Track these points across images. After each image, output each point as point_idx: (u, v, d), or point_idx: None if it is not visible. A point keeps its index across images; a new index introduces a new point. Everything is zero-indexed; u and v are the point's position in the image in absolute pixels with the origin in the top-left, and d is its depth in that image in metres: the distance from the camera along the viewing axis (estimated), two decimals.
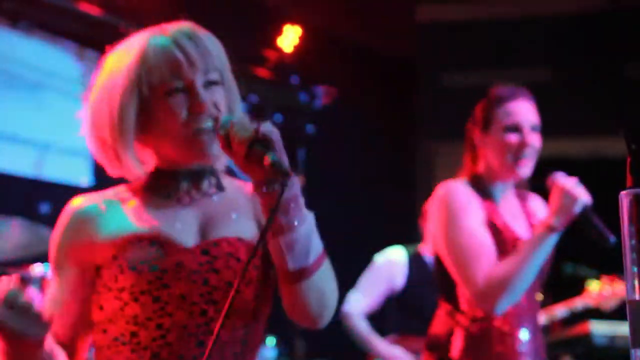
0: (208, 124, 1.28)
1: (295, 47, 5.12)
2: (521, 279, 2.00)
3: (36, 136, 4.26)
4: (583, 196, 2.00)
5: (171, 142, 1.31)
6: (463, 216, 2.09)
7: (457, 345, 2.11)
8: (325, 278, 1.28)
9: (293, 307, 1.28)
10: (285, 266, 1.22)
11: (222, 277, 1.28)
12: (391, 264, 3.62)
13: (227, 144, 1.20)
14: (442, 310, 2.20)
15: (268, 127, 1.19)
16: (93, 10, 4.32)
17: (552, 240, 2.02)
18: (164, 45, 1.30)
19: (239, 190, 1.40)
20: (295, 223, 1.19)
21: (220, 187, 1.39)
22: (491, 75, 5.41)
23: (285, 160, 1.15)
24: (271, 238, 1.23)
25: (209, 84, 1.31)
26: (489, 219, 2.14)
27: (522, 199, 2.26)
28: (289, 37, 5.09)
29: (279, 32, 5.09)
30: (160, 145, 1.33)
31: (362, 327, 3.60)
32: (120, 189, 1.40)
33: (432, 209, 2.19)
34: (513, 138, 2.13)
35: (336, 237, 4.75)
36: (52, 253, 1.37)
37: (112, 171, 1.36)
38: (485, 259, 2.04)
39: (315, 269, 1.25)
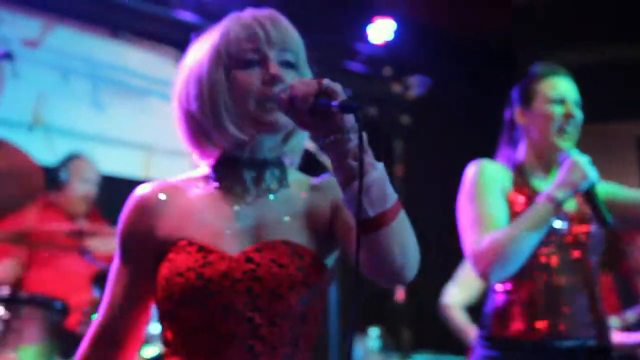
0: (278, 92, 1.28)
1: (387, 39, 5.13)
2: (515, 246, 1.98)
3: (143, 139, 4.47)
4: (592, 175, 2.01)
5: (242, 114, 1.32)
6: (478, 193, 2.11)
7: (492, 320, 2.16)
8: (404, 227, 1.23)
9: (375, 261, 1.22)
10: (363, 214, 1.17)
11: (265, 285, 1.27)
12: None
13: (289, 105, 1.20)
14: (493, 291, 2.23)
15: (329, 80, 1.19)
16: (188, 17, 4.49)
17: (551, 212, 2.01)
18: (245, 22, 1.34)
19: (300, 187, 1.41)
20: (368, 167, 1.18)
21: (282, 182, 1.39)
22: (594, 54, 5.23)
23: (350, 102, 1.15)
24: (344, 188, 1.19)
25: (284, 63, 1.34)
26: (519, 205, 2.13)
27: None
28: (381, 29, 5.10)
29: (370, 25, 5.11)
30: (219, 126, 1.34)
31: (461, 318, 3.58)
32: (185, 178, 1.41)
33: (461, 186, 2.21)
34: (558, 109, 2.16)
35: (436, 228, 4.74)
36: (117, 238, 1.39)
37: (202, 157, 1.39)
38: (485, 227, 2.05)
39: (394, 215, 1.20)
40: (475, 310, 3.64)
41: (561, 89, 2.17)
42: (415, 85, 5.28)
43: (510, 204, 2.13)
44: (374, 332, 4.34)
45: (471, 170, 2.18)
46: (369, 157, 1.18)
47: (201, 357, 1.26)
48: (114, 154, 4.41)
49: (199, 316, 1.26)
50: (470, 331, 3.52)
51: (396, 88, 5.31)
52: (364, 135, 1.16)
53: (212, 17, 4.46)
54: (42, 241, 3.18)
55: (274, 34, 1.33)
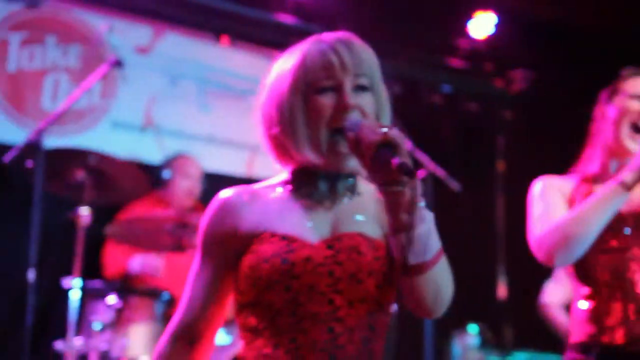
0: (348, 122, 1.37)
1: (489, 33, 5.06)
2: (578, 226, 1.94)
3: (247, 139, 4.64)
4: None
5: (316, 138, 1.40)
6: (541, 194, 2.12)
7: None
8: (441, 273, 1.35)
9: (410, 298, 1.36)
10: (404, 260, 1.31)
11: (345, 269, 1.36)
12: None
13: (355, 145, 1.31)
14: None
15: (395, 132, 1.26)
16: (288, 19, 4.62)
17: (621, 196, 1.96)
18: (322, 49, 1.41)
19: (371, 195, 1.49)
20: (416, 222, 1.28)
21: (353, 191, 1.47)
22: None
23: (410, 164, 1.24)
24: (392, 234, 1.32)
25: (358, 88, 1.40)
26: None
27: None
28: (481, 24, 5.04)
29: (470, 19, 5.06)
30: (298, 147, 1.43)
31: (560, 317, 3.51)
32: (266, 183, 1.51)
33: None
34: (635, 105, 2.12)
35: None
36: (200, 239, 1.48)
37: (283, 166, 1.49)
38: (547, 218, 2.04)
39: (432, 265, 1.32)
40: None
41: None
42: (518, 80, 5.19)
43: (569, 204, 2.12)
44: (473, 329, 4.31)
45: (535, 184, 2.19)
46: (420, 210, 1.29)
47: (285, 339, 1.35)
48: (220, 154, 4.61)
49: (283, 299, 1.36)
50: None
51: (498, 83, 5.23)
52: (418, 189, 1.27)
53: (310, 19, 4.58)
54: (149, 235, 3.37)
55: (349, 61, 1.40)
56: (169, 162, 3.99)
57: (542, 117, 5.16)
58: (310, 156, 1.40)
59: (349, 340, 1.36)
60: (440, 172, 3.95)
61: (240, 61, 4.74)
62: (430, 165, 3.97)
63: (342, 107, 1.38)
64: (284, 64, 1.45)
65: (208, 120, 4.65)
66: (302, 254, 1.37)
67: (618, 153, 2.16)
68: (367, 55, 1.43)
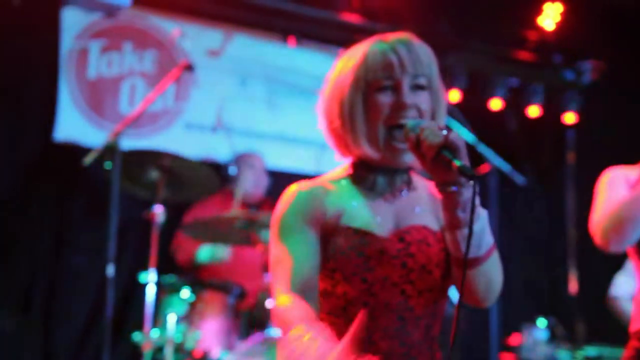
0: (405, 121, 1.44)
1: (557, 24, 5.00)
2: (632, 212, 1.95)
3: (315, 136, 4.73)
4: None
5: (374, 135, 1.47)
6: (605, 185, 2.12)
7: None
8: (492, 268, 1.44)
9: (463, 292, 1.43)
10: (459, 255, 1.41)
11: (417, 260, 1.46)
12: None
13: (416, 146, 1.37)
14: None
15: (456, 135, 1.34)
16: (354, 19, 4.69)
17: None
18: (382, 49, 1.48)
19: (424, 189, 1.57)
20: (473, 220, 1.34)
21: (409, 185, 1.55)
22: None
23: (470, 166, 1.31)
24: (448, 230, 1.41)
25: (416, 87, 1.47)
26: None
27: None
28: (550, 15, 4.98)
29: (539, 11, 5.01)
30: (356, 142, 1.50)
31: (628, 309, 3.47)
32: (329, 178, 1.56)
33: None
34: None
35: None
36: (282, 223, 1.48)
37: (343, 158, 1.57)
38: (610, 200, 2.04)
39: (485, 260, 1.42)
40: None
41: None
42: (588, 71, 5.10)
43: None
44: (542, 323, 4.29)
45: (603, 175, 2.20)
46: (477, 209, 1.36)
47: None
48: (288, 151, 4.73)
49: (358, 289, 1.44)
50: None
51: (567, 75, 5.16)
52: (477, 191, 1.34)
53: (375, 17, 4.62)
54: (220, 231, 3.52)
55: (408, 61, 1.47)
56: (235, 159, 4.16)
57: (613, 108, 5.06)
58: (368, 151, 1.47)
59: (415, 327, 1.45)
60: (504, 167, 3.95)
61: (306, 60, 4.84)
62: (495, 160, 3.98)
63: (399, 106, 1.45)
64: (347, 62, 1.53)
65: (277, 119, 4.77)
66: (375, 247, 1.45)
67: None
68: (425, 56, 1.50)
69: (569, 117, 5.14)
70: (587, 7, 4.99)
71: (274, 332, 3.38)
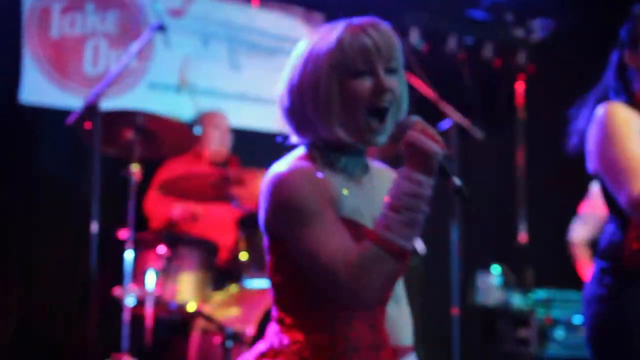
0: (386, 104, 1.48)
1: None
2: None
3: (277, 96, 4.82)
4: None
5: (350, 121, 1.49)
6: (620, 134, 2.09)
7: (624, 253, 2.14)
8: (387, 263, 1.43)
9: None
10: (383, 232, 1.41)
11: None
12: None
13: (409, 147, 1.39)
14: (608, 224, 2.24)
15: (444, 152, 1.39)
16: None
17: None
18: (357, 35, 1.49)
19: (378, 169, 1.64)
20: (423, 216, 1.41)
21: (367, 169, 1.59)
22: None
23: (462, 185, 1.39)
24: (391, 210, 1.40)
25: (390, 71, 1.50)
26: None
27: None
28: None
29: None
30: (330, 126, 1.49)
31: (582, 254, 3.71)
32: (291, 160, 1.52)
33: (592, 129, 2.19)
34: None
35: (556, 170, 4.81)
36: (305, 205, 1.44)
37: (300, 138, 1.55)
38: (638, 172, 2.03)
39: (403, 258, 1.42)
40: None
41: None
42: (538, 29, 5.31)
43: None
44: (496, 270, 4.56)
45: (605, 114, 2.15)
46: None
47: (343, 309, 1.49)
48: (251, 110, 4.82)
49: None
50: (588, 269, 3.67)
51: (518, 33, 5.35)
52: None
53: None
54: (192, 189, 3.62)
55: (382, 45, 1.48)
56: (199, 119, 4.24)
57: (562, 65, 5.29)
58: (342, 135, 1.48)
59: (381, 311, 1.55)
60: (464, 122, 4.14)
61: (269, 21, 4.90)
62: (454, 115, 4.17)
63: (379, 90, 1.48)
64: (317, 46, 1.51)
65: (239, 78, 4.84)
66: (361, 235, 1.43)
67: None
68: (394, 40, 1.51)
69: (520, 73, 5.36)
70: None
71: (249, 284, 3.54)
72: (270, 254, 1.53)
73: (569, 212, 3.82)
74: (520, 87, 5.44)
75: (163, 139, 3.48)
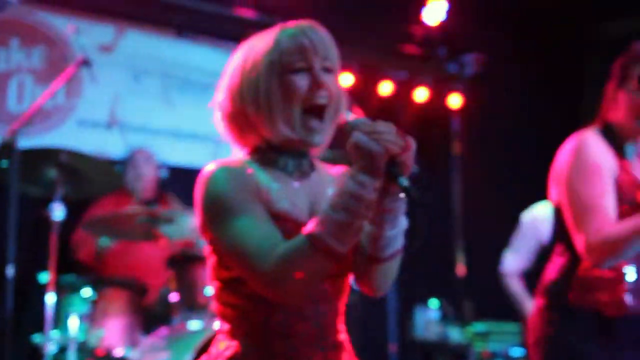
0: (323, 100, 1.50)
1: (441, 19, 5.22)
2: (627, 247, 2.01)
3: (210, 131, 4.75)
4: None
5: (291, 116, 1.50)
6: (590, 170, 2.10)
7: (572, 289, 2.14)
8: (393, 268, 1.53)
9: (361, 280, 1.55)
10: (369, 251, 1.49)
11: None
12: (537, 220, 3.71)
13: (357, 148, 1.36)
14: (558, 257, 2.23)
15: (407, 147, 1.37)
16: (248, 14, 4.75)
17: None
18: (294, 33, 1.53)
19: (325, 170, 1.63)
20: (389, 225, 1.44)
21: (312, 168, 1.60)
22: None
23: (413, 186, 1.38)
24: (371, 224, 1.45)
25: (326, 69, 1.53)
26: (619, 173, 2.12)
27: None
28: (435, 10, 5.19)
29: (423, 6, 5.22)
30: (272, 124, 1.51)
31: (515, 286, 3.73)
32: (233, 160, 1.55)
33: (562, 157, 2.19)
34: None
35: (493, 202, 4.82)
36: (229, 198, 1.44)
37: (241, 146, 1.57)
38: (601, 215, 2.05)
39: (389, 260, 1.50)
40: (531, 276, 3.77)
41: None
42: (470, 64, 5.38)
43: (618, 187, 2.12)
44: (434, 304, 4.53)
45: (575, 145, 2.16)
46: (400, 214, 1.45)
47: (279, 313, 1.48)
48: (184, 147, 4.74)
49: None
50: (524, 300, 3.68)
51: (451, 68, 5.42)
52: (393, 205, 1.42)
53: (269, 12, 4.66)
54: (120, 228, 3.51)
55: (318, 44, 1.51)
56: (128, 156, 4.14)
57: (496, 99, 5.37)
58: (285, 132, 1.50)
59: (328, 308, 1.53)
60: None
61: (201, 56, 4.85)
62: None
63: (316, 86, 1.50)
64: (253, 49, 1.54)
65: (173, 115, 4.77)
66: (296, 232, 1.42)
67: (633, 134, 2.18)
68: (331, 41, 1.55)
69: (454, 108, 5.42)
70: (469, 2, 5.24)
71: (179, 325, 3.42)
72: (210, 257, 1.53)
73: (506, 244, 3.84)
74: (454, 121, 5.50)
75: (88, 177, 3.37)
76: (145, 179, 4.12)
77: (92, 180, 3.40)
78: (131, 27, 4.65)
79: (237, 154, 1.59)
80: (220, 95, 1.57)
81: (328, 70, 1.53)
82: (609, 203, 2.07)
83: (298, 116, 1.50)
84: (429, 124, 5.49)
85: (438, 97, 5.45)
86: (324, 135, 1.53)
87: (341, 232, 1.35)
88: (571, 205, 2.11)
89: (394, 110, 5.29)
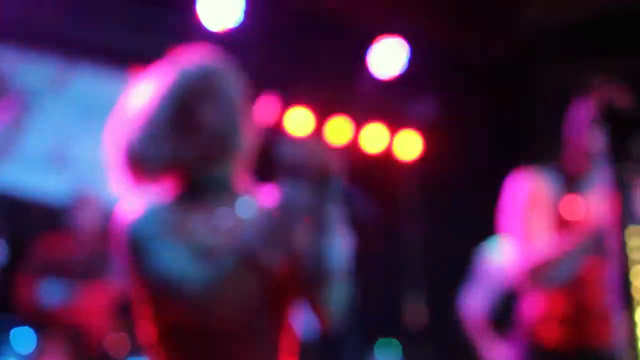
0: (226, 131, 1.51)
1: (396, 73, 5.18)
2: (565, 267, 2.07)
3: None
4: None
5: (199, 155, 1.50)
6: (525, 201, 2.17)
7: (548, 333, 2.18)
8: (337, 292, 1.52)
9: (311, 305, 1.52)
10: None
11: None
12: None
13: (292, 168, 1.39)
14: (529, 297, 2.25)
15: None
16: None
17: (600, 241, 2.04)
18: (194, 70, 1.53)
19: (246, 193, 1.56)
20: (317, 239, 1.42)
21: (235, 194, 1.54)
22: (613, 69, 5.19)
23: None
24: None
25: (224, 102, 1.52)
26: (561, 205, 2.17)
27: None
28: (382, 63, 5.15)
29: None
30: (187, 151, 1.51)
31: (480, 326, 3.62)
32: (158, 200, 1.53)
33: (508, 191, 2.26)
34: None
35: (445, 252, 4.72)
36: (146, 234, 1.45)
37: (142, 189, 1.53)
38: (534, 242, 2.12)
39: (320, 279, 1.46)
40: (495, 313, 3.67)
41: None
42: (424, 109, 5.38)
43: (559, 217, 2.17)
44: (392, 346, 4.43)
45: (521, 183, 2.22)
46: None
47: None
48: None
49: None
50: (490, 341, 3.55)
51: (405, 111, 5.41)
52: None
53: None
54: (64, 269, 3.37)
55: (221, 83, 1.52)
56: (73, 200, 3.94)
57: (451, 144, 5.35)
58: (197, 161, 1.50)
59: (259, 347, 1.48)
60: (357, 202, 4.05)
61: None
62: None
63: (218, 125, 1.50)
64: (154, 88, 1.53)
65: None
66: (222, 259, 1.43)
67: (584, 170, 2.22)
68: (234, 78, 1.54)
69: (411, 153, 5.39)
70: (419, 46, 5.25)
71: None
72: (137, 303, 1.50)
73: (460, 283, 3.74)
74: (413, 167, 5.46)
75: (25, 220, 3.23)
76: (90, 219, 3.93)
77: (29, 223, 3.27)
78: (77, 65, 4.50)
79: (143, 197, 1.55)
80: (120, 143, 1.57)
81: (227, 102, 1.53)
82: (541, 231, 2.15)
83: (205, 145, 1.51)
84: (387, 170, 5.44)
85: (395, 142, 5.40)
86: (226, 165, 1.53)
87: (267, 243, 1.40)
88: (512, 235, 2.21)
89: (346, 149, 5.23)
